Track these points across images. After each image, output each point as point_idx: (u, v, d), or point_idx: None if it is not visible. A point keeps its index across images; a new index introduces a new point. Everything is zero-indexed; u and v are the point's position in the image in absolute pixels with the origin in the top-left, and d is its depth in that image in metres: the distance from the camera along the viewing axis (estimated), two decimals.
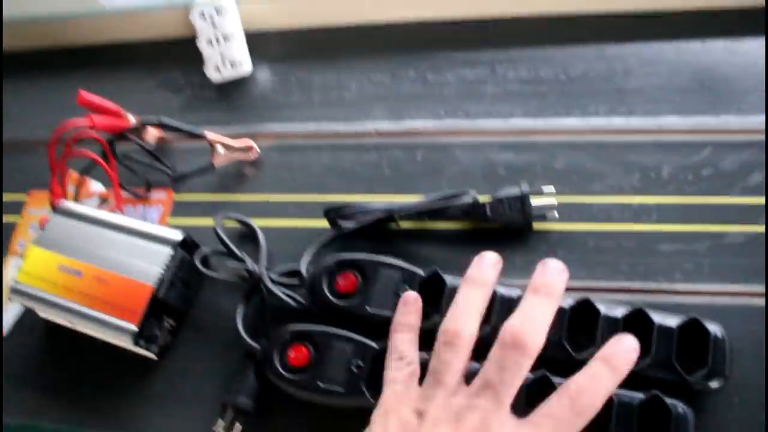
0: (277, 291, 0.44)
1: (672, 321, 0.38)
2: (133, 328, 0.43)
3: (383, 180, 0.51)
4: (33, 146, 0.59)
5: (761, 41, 0.51)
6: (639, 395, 0.36)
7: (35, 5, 0.63)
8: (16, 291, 0.45)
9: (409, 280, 0.42)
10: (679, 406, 0.35)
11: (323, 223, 0.48)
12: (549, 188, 0.46)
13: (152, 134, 0.56)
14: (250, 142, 0.53)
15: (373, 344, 0.40)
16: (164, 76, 0.61)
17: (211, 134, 0.53)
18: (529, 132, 0.51)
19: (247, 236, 0.49)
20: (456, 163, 0.50)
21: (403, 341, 0.38)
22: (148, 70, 0.62)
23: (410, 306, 0.39)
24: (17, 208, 0.56)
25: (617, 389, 0.34)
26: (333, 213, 0.47)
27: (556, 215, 0.45)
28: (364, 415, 0.36)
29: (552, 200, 0.45)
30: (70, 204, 0.48)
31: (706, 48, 0.52)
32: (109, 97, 0.55)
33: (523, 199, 0.45)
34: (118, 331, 0.43)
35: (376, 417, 0.35)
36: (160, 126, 0.55)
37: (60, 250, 0.46)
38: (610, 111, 0.50)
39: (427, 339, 0.38)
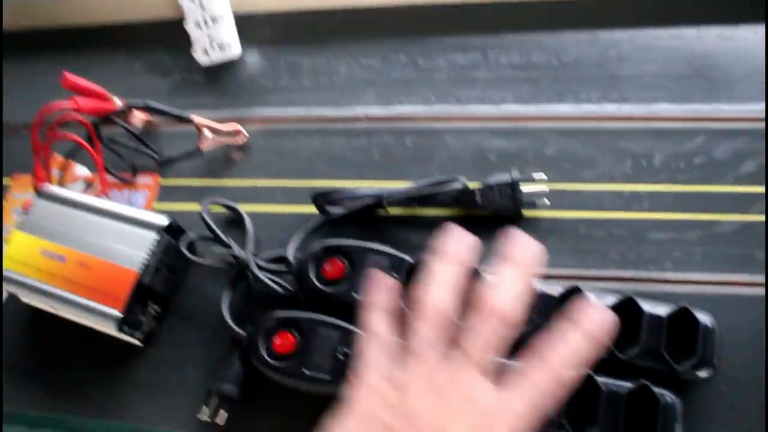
0: (264, 277, 0.44)
1: (662, 310, 0.37)
2: (117, 314, 0.42)
3: (372, 165, 0.50)
4: (16, 129, 0.58)
5: (756, 28, 0.51)
6: (627, 384, 0.36)
7: None
8: None
9: (398, 267, 0.42)
10: (667, 396, 0.35)
11: (311, 209, 0.47)
12: (540, 175, 0.45)
13: (138, 118, 0.55)
14: (238, 127, 0.53)
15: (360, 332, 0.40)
16: (151, 58, 0.60)
17: (198, 118, 0.53)
18: (520, 118, 0.50)
19: (234, 222, 0.48)
20: (446, 148, 0.50)
21: (375, 320, 0.37)
22: (135, 53, 0.61)
23: (380, 285, 0.39)
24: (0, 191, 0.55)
25: (605, 378, 0.34)
26: (321, 199, 0.47)
27: (547, 202, 0.45)
28: None
29: (543, 187, 0.45)
30: (53, 188, 0.48)
31: (701, 35, 0.52)
32: (95, 80, 0.54)
33: (513, 186, 0.45)
34: (102, 317, 0.43)
35: (348, 392, 0.35)
36: (147, 109, 0.54)
37: (43, 235, 0.45)
38: (603, 97, 0.50)
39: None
